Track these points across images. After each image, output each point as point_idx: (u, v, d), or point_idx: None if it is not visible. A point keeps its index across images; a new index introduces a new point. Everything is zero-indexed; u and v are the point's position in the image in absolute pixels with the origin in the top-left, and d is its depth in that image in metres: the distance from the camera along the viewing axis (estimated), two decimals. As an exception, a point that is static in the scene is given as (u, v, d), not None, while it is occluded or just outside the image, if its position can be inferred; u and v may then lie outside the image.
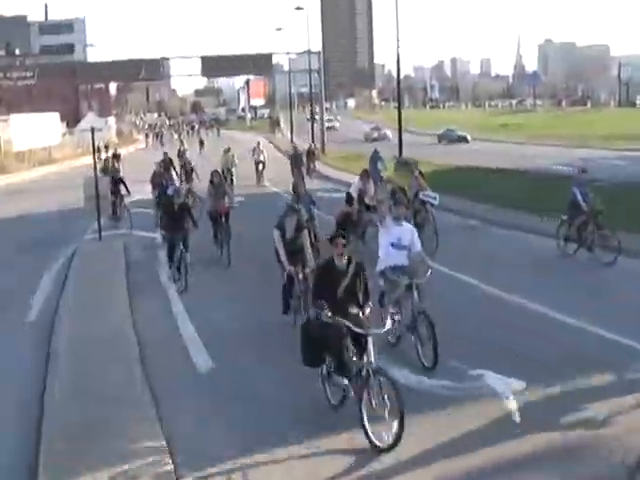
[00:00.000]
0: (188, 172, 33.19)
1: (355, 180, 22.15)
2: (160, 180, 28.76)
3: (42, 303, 17.04)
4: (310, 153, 42.43)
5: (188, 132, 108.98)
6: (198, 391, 11.00)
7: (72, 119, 75.67)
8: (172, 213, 18.28)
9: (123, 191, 28.02)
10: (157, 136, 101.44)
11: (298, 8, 70.99)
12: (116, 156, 45.27)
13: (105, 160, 35.99)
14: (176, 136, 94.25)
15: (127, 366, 11.77)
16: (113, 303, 16.07)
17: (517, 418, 9.38)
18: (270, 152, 50.78)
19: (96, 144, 26.19)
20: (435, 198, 20.63)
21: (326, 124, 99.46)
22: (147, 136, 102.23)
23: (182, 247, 17.87)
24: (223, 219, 21.03)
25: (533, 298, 14.79)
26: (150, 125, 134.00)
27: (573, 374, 10.65)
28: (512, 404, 9.73)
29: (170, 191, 20.17)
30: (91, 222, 25.77)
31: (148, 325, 14.48)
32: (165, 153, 34.46)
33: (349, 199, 21.05)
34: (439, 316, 11.49)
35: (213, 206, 21.22)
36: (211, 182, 21.71)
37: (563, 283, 16.62)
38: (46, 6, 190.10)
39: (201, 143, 67.31)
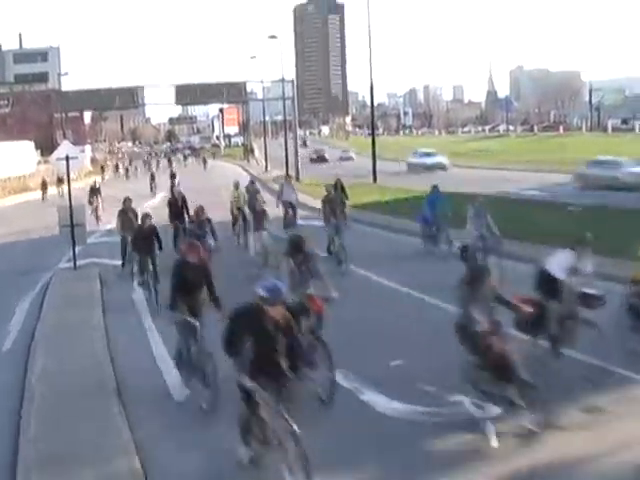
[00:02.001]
0: (259, 214, 24.04)
1: (561, 253, 12.42)
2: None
3: (18, 332, 16.93)
4: (339, 190, 29.08)
5: (158, 162, 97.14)
6: (177, 421, 10.97)
7: (47, 147, 75.52)
8: (189, 285, 11.76)
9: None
10: (117, 168, 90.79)
11: (272, 37, 71.88)
12: (94, 190, 40.02)
13: (126, 202, 24.86)
14: (138, 168, 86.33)
15: (103, 397, 11.70)
16: (88, 332, 15.98)
17: (495, 443, 9.40)
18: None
19: (61, 174, 25.90)
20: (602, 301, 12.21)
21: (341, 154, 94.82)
22: (103, 169, 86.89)
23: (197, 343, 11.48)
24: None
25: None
26: (128, 154, 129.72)
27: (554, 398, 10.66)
28: (490, 429, 9.75)
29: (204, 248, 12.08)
30: (66, 251, 25.61)
31: (124, 355, 14.36)
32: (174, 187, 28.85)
33: (545, 282, 12.05)
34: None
35: (298, 295, 11.61)
36: (292, 255, 12.07)
37: None
38: (20, 35, 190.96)
39: (172, 177, 50.52)
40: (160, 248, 20.11)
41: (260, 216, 23.75)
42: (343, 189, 29.65)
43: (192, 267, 11.90)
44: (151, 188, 54.38)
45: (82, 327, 16.46)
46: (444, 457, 8.93)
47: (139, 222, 21.43)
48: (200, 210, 21.55)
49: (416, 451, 9.32)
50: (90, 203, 38.08)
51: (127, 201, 24.66)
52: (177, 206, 25.53)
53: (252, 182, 31.83)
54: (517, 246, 22.37)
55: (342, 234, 22.98)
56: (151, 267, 19.37)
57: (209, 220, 21.31)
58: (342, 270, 20.79)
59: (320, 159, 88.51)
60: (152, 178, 53.44)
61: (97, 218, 37.25)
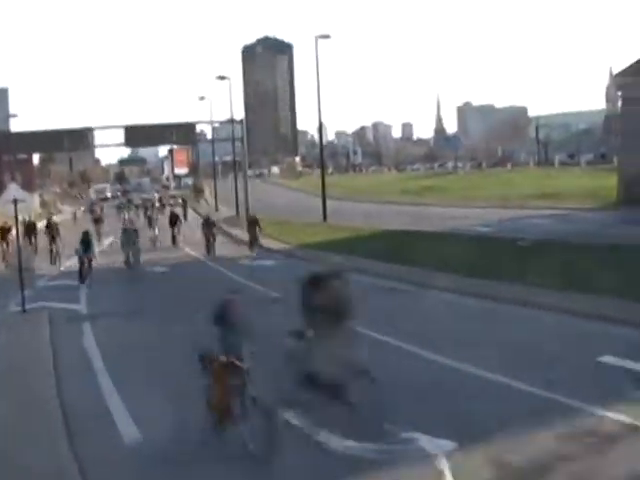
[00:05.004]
0: None
1: None
2: None
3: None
4: None
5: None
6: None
7: (-6, 191, 74.78)
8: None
9: None
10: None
11: (221, 77, 71.77)
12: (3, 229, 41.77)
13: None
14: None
15: (52, 443, 11.52)
16: (38, 376, 15.77)
17: (450, 478, 9.39)
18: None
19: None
20: None
21: None
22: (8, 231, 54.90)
23: None
24: None
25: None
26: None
27: (504, 431, 10.70)
28: (444, 465, 9.74)
29: None
30: (15, 293, 25.30)
31: (75, 398, 14.17)
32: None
33: None
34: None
35: None
36: None
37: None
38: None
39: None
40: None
41: None
42: None
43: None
44: None
45: (30, 372, 16.24)
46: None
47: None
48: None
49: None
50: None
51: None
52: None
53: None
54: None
55: None
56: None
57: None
58: None
59: None
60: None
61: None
